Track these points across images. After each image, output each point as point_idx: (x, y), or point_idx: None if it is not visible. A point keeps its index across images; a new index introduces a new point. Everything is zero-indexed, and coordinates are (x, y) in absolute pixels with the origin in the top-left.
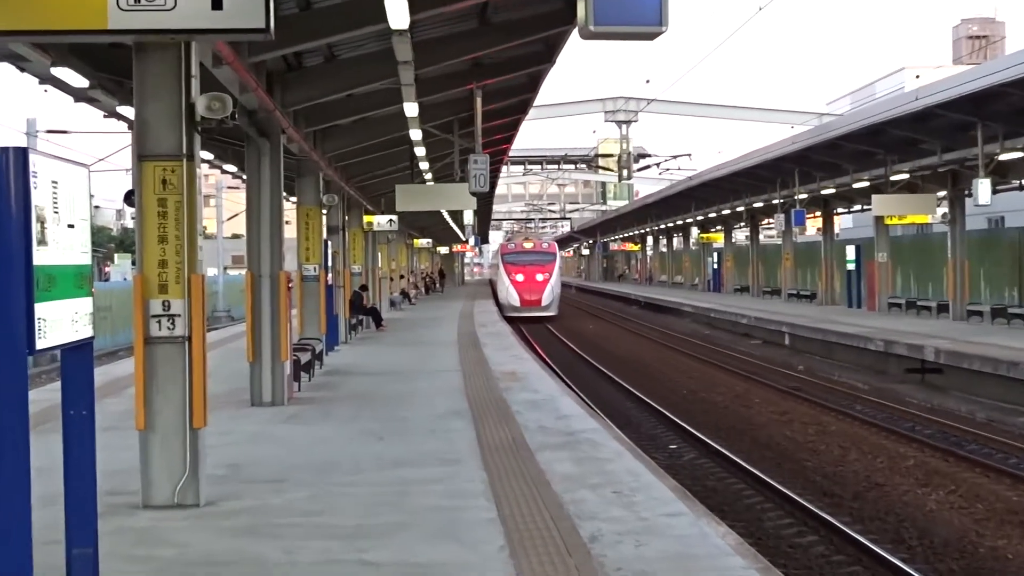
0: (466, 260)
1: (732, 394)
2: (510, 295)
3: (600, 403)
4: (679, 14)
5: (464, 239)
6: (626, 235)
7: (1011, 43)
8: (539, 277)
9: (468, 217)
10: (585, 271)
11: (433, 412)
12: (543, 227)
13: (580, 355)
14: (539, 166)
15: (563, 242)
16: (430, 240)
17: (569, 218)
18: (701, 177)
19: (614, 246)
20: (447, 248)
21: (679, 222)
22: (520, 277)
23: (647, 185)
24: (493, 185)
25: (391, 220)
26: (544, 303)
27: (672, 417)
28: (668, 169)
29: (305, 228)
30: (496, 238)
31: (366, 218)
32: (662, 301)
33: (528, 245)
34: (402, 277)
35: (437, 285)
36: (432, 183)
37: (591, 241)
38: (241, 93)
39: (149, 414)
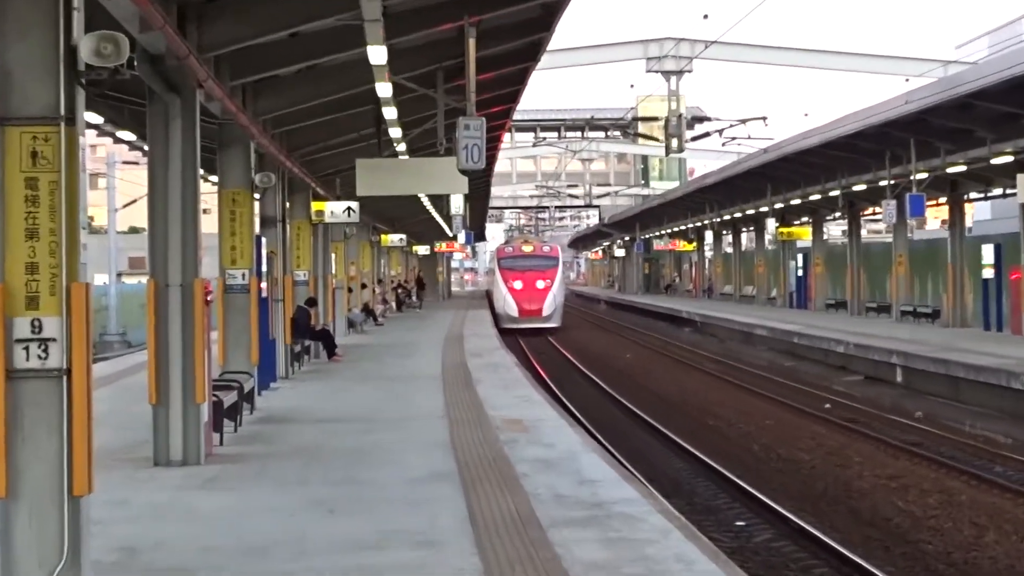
0: (454, 264)
1: (823, 450)
2: (507, 304)
3: (639, 462)
4: None
5: (451, 235)
6: (676, 229)
7: None
8: (540, 284)
9: (456, 204)
10: (619, 279)
11: (406, 474)
12: (561, 219)
13: (611, 395)
14: (555, 134)
15: (587, 239)
16: (403, 237)
17: (596, 206)
18: (780, 149)
19: (659, 244)
20: (427, 248)
21: (749, 211)
22: (518, 284)
23: (705, 160)
24: (491, 161)
25: (349, 209)
26: (545, 313)
27: (739, 482)
28: (734, 139)
29: (230, 219)
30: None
31: (315, 205)
32: (725, 321)
33: (527, 248)
34: (364, 287)
35: (413, 298)
36: (407, 157)
37: (627, 238)
38: (142, 32)
39: (12, 476)
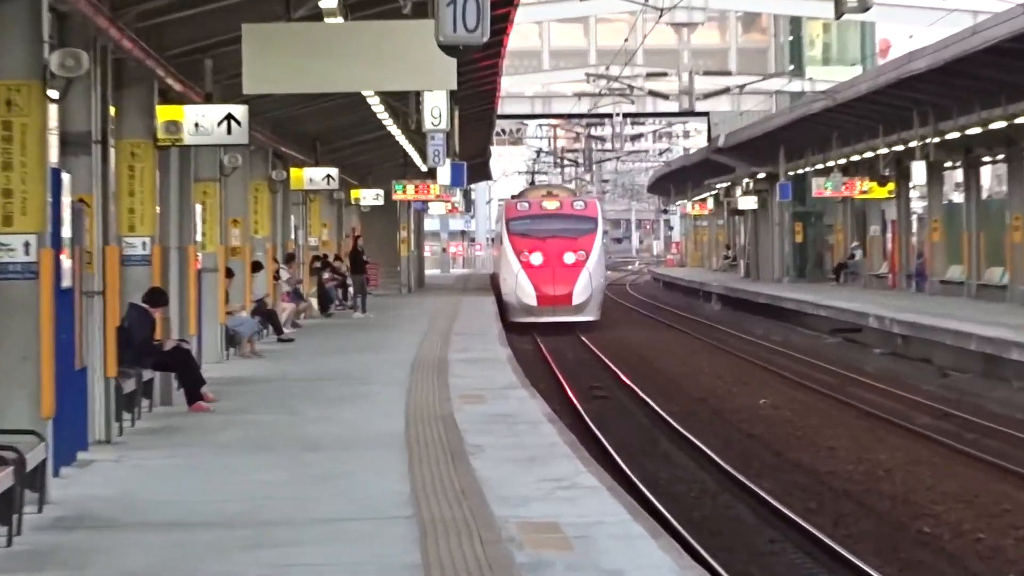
0: (430, 225)
1: None
2: (520, 287)
3: None
4: None
5: (425, 168)
6: (854, 159)
7: None
8: (568, 258)
9: (435, 111)
10: (746, 253)
11: None
12: (634, 140)
13: (734, 478)
14: None
15: (684, 179)
16: (332, 173)
17: (702, 114)
18: None
19: (821, 190)
20: (378, 193)
21: (999, 124)
22: (537, 258)
23: (912, 26)
24: (503, 27)
25: (231, 119)
26: (577, 300)
27: None
28: None
29: (3, 136)
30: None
31: (163, 112)
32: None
33: (551, 205)
34: (258, 268)
35: (349, 290)
36: (339, 20)
37: (762, 175)
38: None
39: None
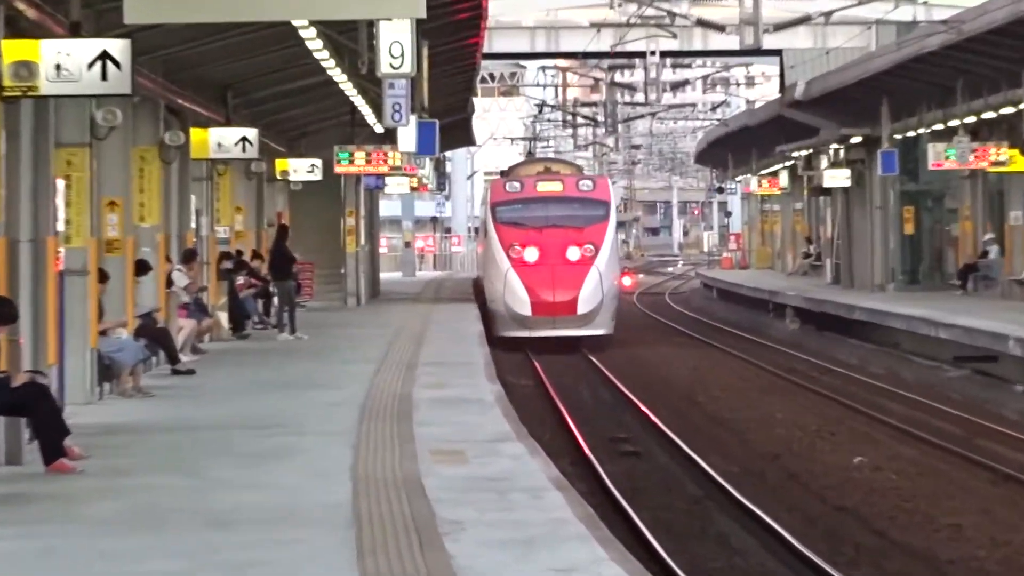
0: (387, 209)
1: None
2: (510, 292)
3: None
4: None
5: (382, 129)
6: (989, 115)
7: None
8: (572, 254)
9: (397, 52)
10: (835, 248)
11: None
12: (676, 92)
13: None
14: None
15: (747, 143)
16: (250, 136)
17: (773, 53)
18: None
19: (942, 159)
20: (314, 165)
21: None
22: (532, 254)
23: None
24: None
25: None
26: (583, 308)
27: None
28: None
29: None
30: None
31: (9, 51)
32: None
33: (549, 186)
34: (143, 270)
35: (273, 302)
36: None
37: (856, 139)
38: None
39: None
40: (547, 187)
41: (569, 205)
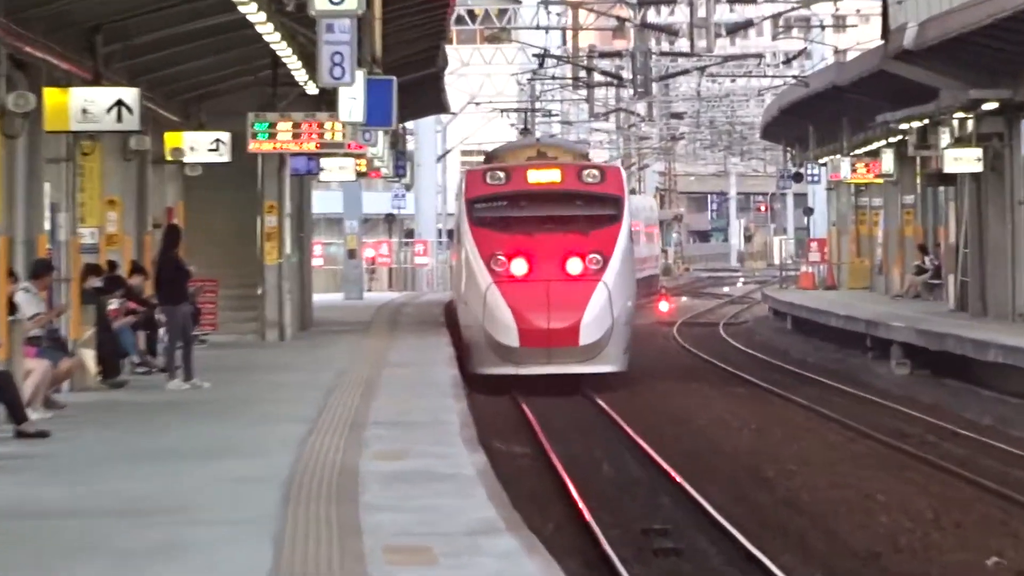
0: (327, 206)
1: None
2: (492, 317)
3: None
4: None
5: (317, 88)
6: None
7: None
8: (573, 266)
9: None
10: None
11: None
12: (733, 39)
13: None
14: None
15: (834, 105)
16: (124, 101)
17: None
18: None
19: None
20: (219, 139)
21: None
22: (520, 266)
23: None
24: None
25: None
26: (586, 338)
27: None
28: None
29: None
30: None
31: None
32: None
33: (543, 177)
34: None
35: (160, 334)
36: None
37: (991, 103)
38: None
39: None
40: (541, 177)
41: (570, 202)
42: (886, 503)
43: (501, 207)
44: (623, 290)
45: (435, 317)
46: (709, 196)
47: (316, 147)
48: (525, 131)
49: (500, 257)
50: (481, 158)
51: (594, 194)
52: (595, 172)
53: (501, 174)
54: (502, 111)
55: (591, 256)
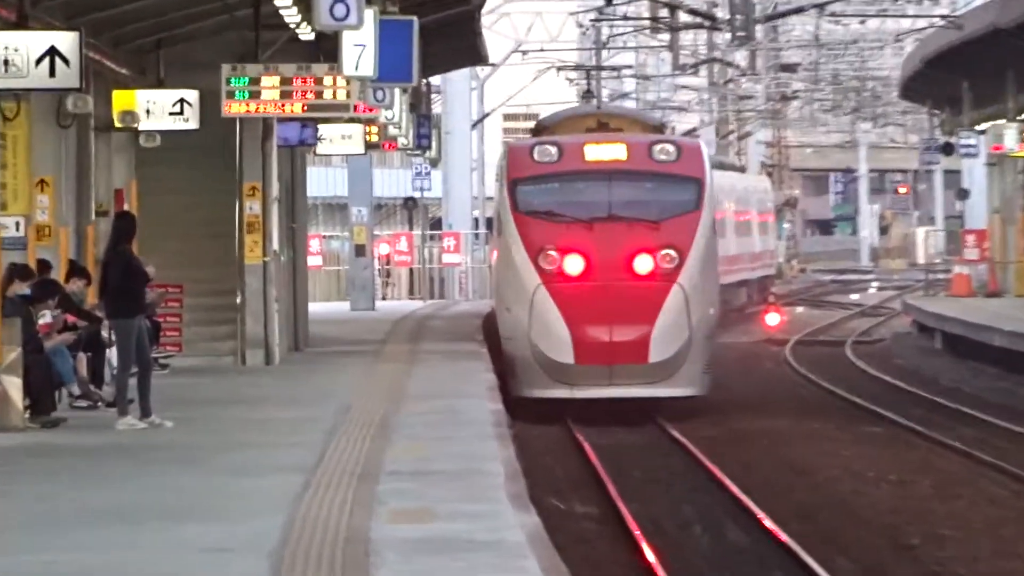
0: (328, 187)
1: None
2: (543, 326)
3: None
4: None
5: (312, 32)
6: None
7: None
8: (642, 265)
9: None
10: None
11: None
12: None
13: None
14: None
15: (996, 54)
16: (59, 50)
17: None
18: None
19: None
20: (183, 98)
21: None
22: (575, 264)
23: None
24: None
25: None
26: (658, 354)
27: None
28: None
29: None
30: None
31: None
32: None
33: (605, 154)
34: None
35: (108, 355)
36: None
37: None
38: None
39: None
40: (602, 154)
41: (638, 184)
42: None
43: (553, 191)
44: (703, 295)
45: (471, 334)
46: (832, 175)
47: (309, 110)
48: (588, 94)
49: (551, 253)
50: (530, 124)
51: (668, 175)
52: (669, 148)
53: (553, 150)
54: (558, 69)
55: (664, 252)
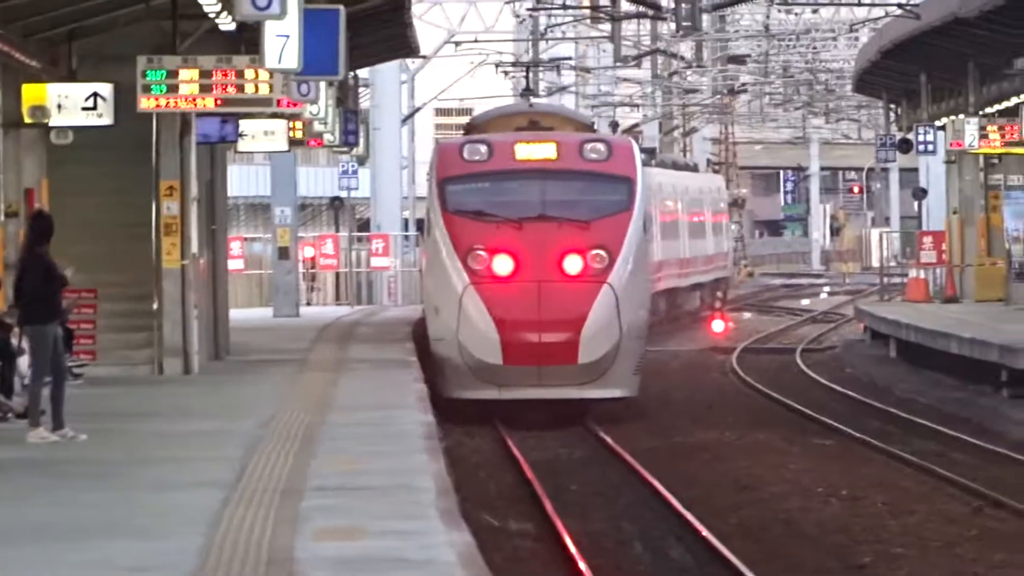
0: (251, 186)
1: None
2: (471, 327)
3: None
4: None
5: (234, 21)
6: None
7: None
8: (572, 265)
9: None
10: None
11: None
12: None
13: None
14: None
15: (953, 45)
16: None
17: None
18: None
19: None
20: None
21: None
22: (505, 264)
23: None
24: None
25: None
26: (588, 354)
27: None
28: None
29: None
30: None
31: None
32: None
33: (536, 152)
34: None
35: (19, 363)
36: None
37: None
38: None
39: None
40: (532, 152)
41: (568, 184)
42: None
43: (482, 190)
44: (634, 295)
45: (400, 341)
46: (781, 173)
47: (230, 105)
48: (527, 91)
49: (480, 253)
50: (464, 119)
51: (599, 174)
52: (600, 147)
53: (483, 148)
54: (496, 65)
55: (594, 252)
